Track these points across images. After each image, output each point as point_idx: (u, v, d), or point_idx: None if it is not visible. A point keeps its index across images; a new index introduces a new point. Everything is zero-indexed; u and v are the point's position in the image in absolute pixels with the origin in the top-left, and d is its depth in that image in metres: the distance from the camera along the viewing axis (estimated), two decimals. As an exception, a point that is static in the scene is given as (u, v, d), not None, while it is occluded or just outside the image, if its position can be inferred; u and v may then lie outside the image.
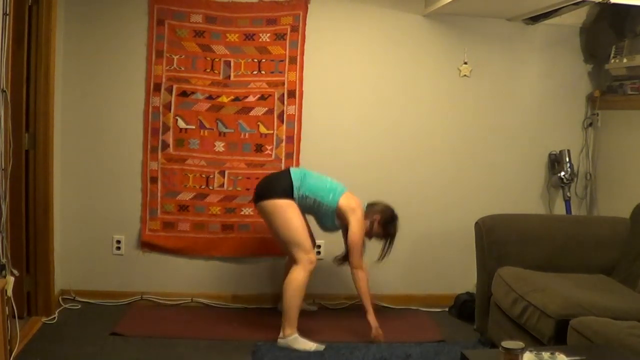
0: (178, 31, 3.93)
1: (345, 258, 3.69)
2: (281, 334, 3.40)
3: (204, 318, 3.84)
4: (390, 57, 4.12)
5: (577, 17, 4.13)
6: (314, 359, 3.25)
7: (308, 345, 3.38)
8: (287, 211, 3.45)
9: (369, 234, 3.66)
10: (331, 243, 4.13)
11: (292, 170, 3.60)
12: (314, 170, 3.65)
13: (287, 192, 3.47)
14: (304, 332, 3.53)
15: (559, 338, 2.76)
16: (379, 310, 4.08)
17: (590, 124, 4.31)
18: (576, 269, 3.45)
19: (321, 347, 3.39)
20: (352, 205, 3.55)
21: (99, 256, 4.03)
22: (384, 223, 3.66)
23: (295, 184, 3.49)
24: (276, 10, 3.97)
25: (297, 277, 3.40)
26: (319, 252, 4.13)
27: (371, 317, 3.52)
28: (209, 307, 4.04)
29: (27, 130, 3.50)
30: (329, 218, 3.59)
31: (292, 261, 3.53)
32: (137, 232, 4.05)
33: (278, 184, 3.51)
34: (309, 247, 3.46)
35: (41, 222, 3.62)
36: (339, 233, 4.15)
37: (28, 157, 3.54)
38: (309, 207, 3.57)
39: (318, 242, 4.12)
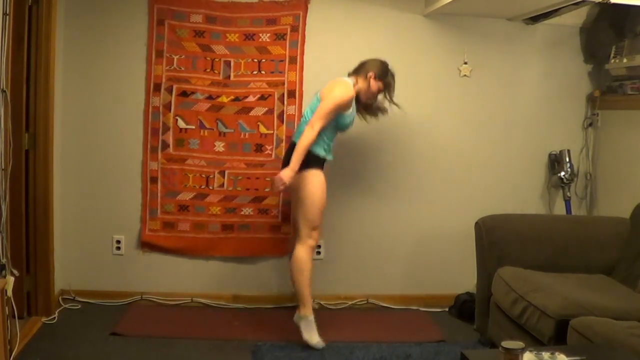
0: (178, 31, 3.93)
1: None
2: (297, 312, 3.46)
3: (204, 318, 3.84)
4: (390, 57, 4.10)
5: (577, 17, 4.13)
6: (313, 358, 3.25)
7: (313, 335, 3.41)
8: (314, 185, 3.40)
9: (370, 96, 3.55)
10: (331, 243, 4.15)
11: (293, 137, 3.51)
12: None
13: (313, 160, 3.39)
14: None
15: (559, 338, 2.76)
16: (378, 310, 4.10)
17: (590, 124, 4.31)
18: (576, 269, 3.44)
19: (320, 345, 3.39)
20: (329, 85, 3.43)
21: (99, 256, 4.04)
22: (380, 75, 3.53)
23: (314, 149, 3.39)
24: (276, 10, 3.97)
25: (300, 255, 3.44)
26: (319, 252, 4.14)
27: (285, 170, 3.31)
28: (209, 307, 4.04)
29: (27, 130, 3.51)
30: (339, 118, 3.45)
31: (295, 239, 3.52)
32: (137, 232, 4.05)
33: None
34: (316, 228, 3.46)
35: (41, 222, 3.62)
36: (339, 234, 4.16)
37: (28, 157, 3.54)
38: (330, 135, 3.48)
39: (318, 242, 4.13)
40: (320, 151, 3.44)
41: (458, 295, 4.10)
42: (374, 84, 3.54)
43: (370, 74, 3.52)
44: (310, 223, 3.45)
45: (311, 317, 3.45)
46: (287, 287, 4.15)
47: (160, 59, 3.93)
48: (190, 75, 3.96)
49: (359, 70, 3.55)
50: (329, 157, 3.53)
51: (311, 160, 3.39)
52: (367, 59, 3.59)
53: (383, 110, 3.73)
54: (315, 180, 3.42)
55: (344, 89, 3.43)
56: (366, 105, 3.65)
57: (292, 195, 3.58)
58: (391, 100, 3.61)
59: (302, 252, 3.45)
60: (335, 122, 3.46)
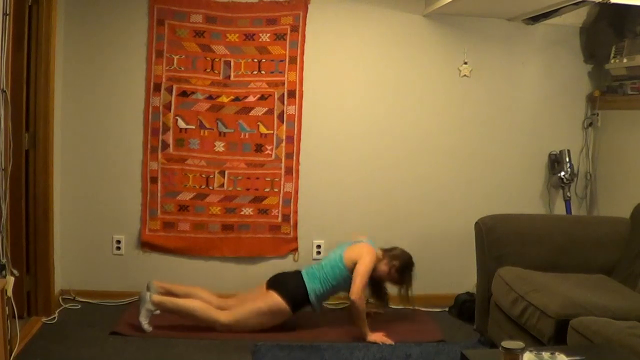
0: (178, 31, 3.93)
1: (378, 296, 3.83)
2: (154, 298, 3.53)
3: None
4: (391, 57, 4.12)
5: (577, 17, 4.13)
6: (313, 358, 3.25)
7: (144, 319, 3.48)
8: (271, 317, 3.54)
9: (384, 277, 3.71)
10: (331, 243, 4.14)
11: (303, 274, 3.64)
12: (315, 263, 3.75)
13: (301, 300, 3.57)
14: (304, 332, 3.55)
15: (559, 338, 2.76)
16: (384, 310, 4.09)
17: (590, 124, 4.31)
18: (576, 269, 3.44)
19: (149, 329, 3.48)
20: (358, 251, 3.61)
21: (99, 256, 4.04)
22: (401, 269, 3.69)
23: (309, 287, 3.58)
24: (276, 10, 3.97)
25: (212, 316, 3.53)
26: (319, 252, 4.14)
27: (373, 338, 3.51)
28: (209, 307, 4.03)
29: (27, 130, 3.50)
30: (347, 283, 3.57)
31: (225, 303, 3.65)
32: (137, 232, 4.05)
33: (295, 288, 3.59)
34: (235, 329, 3.53)
35: (41, 222, 3.62)
36: (339, 234, 4.16)
37: (28, 157, 3.54)
38: (334, 292, 3.66)
39: (318, 241, 4.14)
40: (312, 295, 3.58)
41: (458, 295, 4.10)
42: (393, 273, 3.69)
43: (395, 262, 3.68)
44: (243, 323, 3.53)
45: (153, 309, 3.51)
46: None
47: (160, 59, 3.93)
48: (190, 75, 3.96)
49: (389, 252, 3.71)
50: (315, 307, 3.64)
51: (297, 297, 3.55)
52: (400, 249, 3.76)
53: (385, 302, 3.87)
54: (273, 310, 3.52)
55: (372, 258, 3.60)
56: (375, 282, 3.74)
57: (260, 300, 3.60)
58: (405, 293, 3.75)
59: (216, 317, 3.53)
60: (343, 286, 3.61)
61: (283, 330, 3.60)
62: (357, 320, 3.52)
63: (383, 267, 3.67)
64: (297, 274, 3.67)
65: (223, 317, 3.54)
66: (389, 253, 3.72)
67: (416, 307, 3.89)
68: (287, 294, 3.55)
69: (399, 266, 3.68)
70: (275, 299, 3.54)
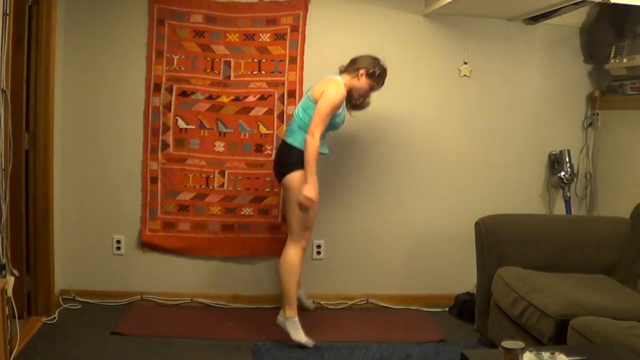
0: (178, 31, 3.93)
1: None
2: (281, 313, 3.44)
3: (204, 318, 3.84)
4: (391, 57, 4.10)
5: (577, 17, 4.13)
6: (313, 358, 3.25)
7: (300, 335, 3.40)
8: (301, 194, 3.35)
9: (362, 92, 3.50)
10: (331, 243, 4.15)
11: (287, 138, 3.46)
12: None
13: (299, 159, 3.37)
14: (305, 332, 3.55)
15: (559, 338, 2.76)
16: (378, 310, 4.10)
17: (590, 124, 4.31)
18: (576, 269, 3.44)
19: (310, 343, 3.39)
20: (321, 85, 3.39)
21: (99, 256, 4.04)
22: (371, 73, 3.48)
23: (297, 142, 3.38)
24: (276, 10, 3.97)
25: (290, 255, 3.43)
26: (319, 252, 4.14)
27: (307, 189, 3.30)
28: (209, 307, 4.04)
29: (27, 130, 3.51)
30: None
31: (287, 238, 3.51)
32: (137, 232, 4.05)
33: (290, 155, 3.41)
34: (308, 229, 3.45)
35: (41, 222, 3.62)
36: (339, 234, 4.17)
37: (28, 157, 3.54)
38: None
39: (318, 242, 4.14)
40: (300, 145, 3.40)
41: (458, 295, 4.10)
42: (366, 81, 3.50)
43: (362, 71, 3.49)
44: (303, 224, 3.43)
45: (296, 318, 3.43)
46: (287, 287, 4.15)
47: (160, 59, 3.93)
48: (190, 75, 3.96)
49: (350, 67, 3.52)
50: (324, 151, 3.48)
51: (303, 160, 3.34)
52: (358, 56, 3.55)
53: (367, 104, 3.67)
54: (299, 184, 3.36)
55: (337, 87, 3.39)
56: (356, 103, 3.60)
57: (284, 194, 3.54)
58: (379, 83, 3.55)
59: (293, 252, 3.44)
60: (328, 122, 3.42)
61: (283, 330, 3.61)
62: (305, 159, 3.28)
63: (355, 84, 3.47)
64: (283, 144, 3.47)
65: (291, 247, 3.43)
66: (351, 67, 3.48)
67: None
68: (290, 167, 3.37)
69: (368, 69, 3.46)
70: (291, 182, 3.37)
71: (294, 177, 3.37)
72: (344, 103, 3.50)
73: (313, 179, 3.32)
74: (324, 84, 3.42)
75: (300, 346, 3.37)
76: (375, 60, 3.53)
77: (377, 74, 3.51)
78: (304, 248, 3.49)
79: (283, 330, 3.43)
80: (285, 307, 3.44)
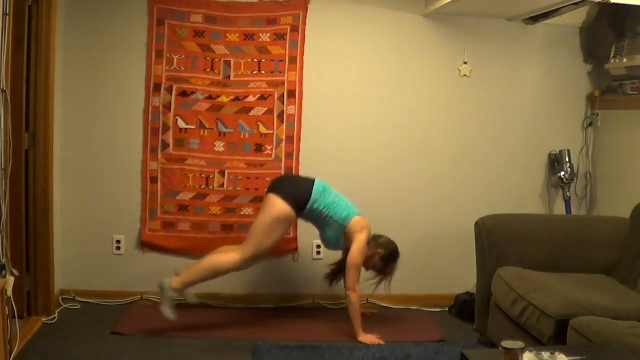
0: (178, 31, 3.93)
1: (334, 276, 3.74)
2: (173, 280, 3.45)
3: (204, 318, 3.84)
4: (391, 57, 4.12)
5: (577, 17, 4.13)
6: (313, 358, 3.25)
7: (167, 310, 3.44)
8: (277, 222, 3.44)
9: (367, 264, 3.64)
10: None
11: (317, 183, 3.57)
12: (333, 188, 3.64)
13: (299, 202, 3.48)
14: (304, 332, 3.55)
15: (559, 338, 2.76)
16: (378, 310, 4.09)
17: (590, 124, 4.31)
18: (576, 269, 3.45)
19: (173, 317, 3.43)
20: (362, 225, 3.55)
21: (99, 256, 4.03)
22: (386, 259, 3.65)
23: (314, 197, 3.50)
24: (276, 10, 3.97)
25: (228, 259, 3.46)
26: (319, 252, 4.14)
27: (363, 338, 3.49)
28: (209, 307, 4.03)
29: (27, 130, 3.50)
30: (335, 235, 3.58)
31: (234, 246, 3.58)
32: (137, 232, 4.05)
33: (296, 190, 3.52)
34: (256, 257, 3.49)
35: (41, 222, 3.62)
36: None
37: (28, 157, 3.54)
38: (318, 219, 3.58)
39: (318, 241, 4.13)
40: (310, 204, 3.49)
41: (458, 295, 4.10)
42: (377, 261, 3.64)
43: (380, 250, 3.62)
44: (257, 250, 3.46)
45: (176, 295, 3.46)
46: (287, 287, 4.16)
47: (160, 59, 3.93)
48: (190, 75, 3.96)
49: (374, 239, 3.64)
50: (304, 215, 3.54)
51: (299, 200, 3.46)
52: (387, 237, 3.69)
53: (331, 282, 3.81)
54: (279, 214, 3.44)
55: (368, 234, 3.55)
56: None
57: (262, 207, 3.58)
58: (379, 283, 3.71)
59: (231, 260, 3.47)
60: (329, 229, 3.57)
61: (283, 330, 3.61)
62: (351, 315, 3.49)
63: (368, 253, 3.60)
64: (310, 180, 3.58)
65: (238, 254, 3.46)
66: (377, 240, 3.65)
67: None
68: (289, 195, 3.45)
69: (385, 255, 3.63)
70: (277, 205, 3.44)
71: (282, 205, 3.44)
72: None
73: (359, 328, 3.50)
74: (360, 230, 3.53)
75: (309, 347, 3.37)
76: (395, 252, 3.67)
77: (389, 266, 3.66)
78: (239, 265, 3.48)
79: (163, 291, 3.44)
80: (180, 280, 3.46)
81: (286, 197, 3.45)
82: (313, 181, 3.57)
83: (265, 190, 3.66)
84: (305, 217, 3.59)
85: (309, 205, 3.49)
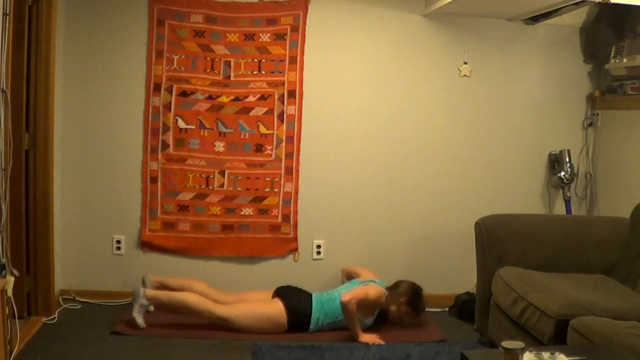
0: (178, 31, 3.93)
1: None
2: (153, 292, 3.55)
3: (204, 318, 3.83)
4: (391, 57, 4.12)
5: (577, 17, 4.13)
6: (313, 358, 3.25)
7: (139, 317, 3.49)
8: (268, 323, 3.54)
9: (398, 318, 3.70)
10: (331, 243, 4.15)
11: (314, 299, 3.64)
12: (324, 295, 3.69)
13: (301, 322, 3.56)
14: (304, 332, 3.55)
15: (559, 338, 2.76)
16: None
17: (590, 124, 4.31)
18: (576, 269, 3.45)
19: (141, 325, 3.49)
20: (359, 292, 3.56)
21: (99, 256, 4.03)
22: (411, 301, 3.68)
23: (314, 316, 3.58)
24: (276, 10, 3.97)
25: (208, 309, 3.53)
26: (319, 252, 4.14)
27: (363, 338, 3.49)
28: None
29: (27, 130, 3.51)
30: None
31: (221, 295, 3.70)
32: (137, 232, 4.05)
33: (300, 308, 3.59)
34: (230, 326, 3.53)
35: (41, 222, 3.62)
36: (339, 234, 4.16)
37: (28, 157, 3.54)
38: (334, 326, 3.61)
39: (318, 242, 4.14)
40: (314, 323, 3.58)
41: (458, 295, 4.10)
42: (405, 309, 3.68)
43: (402, 299, 3.67)
44: (238, 322, 3.52)
45: (151, 306, 3.57)
46: (287, 287, 4.15)
47: (160, 59, 3.93)
48: (190, 75, 3.96)
49: (393, 290, 3.70)
50: (311, 327, 3.60)
51: (299, 317, 3.56)
52: (400, 282, 3.76)
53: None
54: (271, 319, 3.53)
55: (378, 293, 3.60)
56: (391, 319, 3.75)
57: (259, 294, 3.69)
58: (417, 316, 3.76)
59: (211, 310, 3.53)
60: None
61: (283, 330, 3.61)
62: (348, 322, 3.51)
63: (393, 309, 3.68)
64: (309, 296, 3.68)
65: (219, 310, 3.54)
66: (394, 291, 3.71)
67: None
68: (292, 309, 3.56)
69: (408, 300, 3.68)
70: (278, 309, 3.56)
71: (282, 311, 3.55)
72: (374, 316, 3.67)
73: (357, 331, 3.51)
74: (357, 294, 3.53)
75: (309, 347, 3.38)
76: (416, 291, 3.72)
77: (418, 304, 3.73)
78: (213, 320, 3.54)
79: (136, 297, 3.53)
80: (154, 294, 3.55)
81: (288, 311, 3.56)
82: (310, 296, 3.66)
83: (274, 292, 3.73)
84: (320, 329, 3.61)
85: (312, 324, 3.57)
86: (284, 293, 3.69)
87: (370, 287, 3.63)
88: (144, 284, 3.69)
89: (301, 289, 3.76)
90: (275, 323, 3.55)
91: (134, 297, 3.55)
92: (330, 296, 3.66)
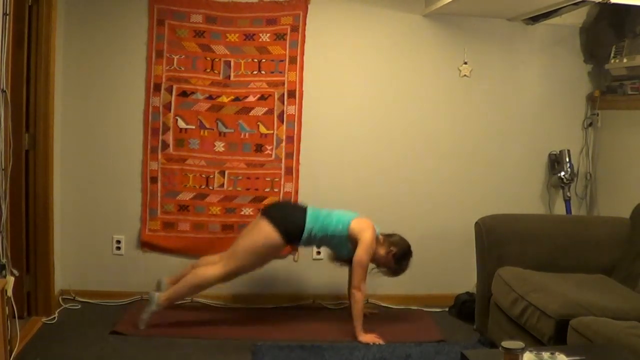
0: (178, 31, 3.93)
1: (342, 260, 3.71)
2: (159, 296, 3.52)
3: (204, 318, 3.84)
4: (391, 57, 4.12)
5: (577, 17, 4.13)
6: (313, 358, 3.25)
7: (144, 322, 3.51)
8: (263, 248, 3.49)
9: (379, 262, 3.66)
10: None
11: (309, 210, 3.58)
12: (321, 210, 3.64)
13: (291, 232, 3.50)
14: (304, 332, 3.55)
15: (559, 338, 2.76)
16: (379, 310, 4.09)
17: (590, 124, 4.31)
18: (576, 269, 3.44)
19: (142, 326, 3.50)
20: (362, 226, 3.54)
21: (99, 256, 4.04)
22: (399, 257, 3.65)
23: (308, 225, 3.52)
24: (276, 10, 3.97)
25: (210, 272, 3.50)
26: (319, 252, 4.14)
27: (363, 338, 3.49)
28: (209, 307, 4.04)
29: (27, 130, 3.51)
30: (344, 247, 3.58)
31: (216, 259, 3.61)
32: (137, 232, 4.05)
33: (288, 220, 3.54)
34: (237, 274, 3.54)
35: (41, 222, 3.62)
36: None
37: (28, 157, 3.54)
38: (323, 242, 3.62)
39: (318, 241, 4.14)
40: (306, 234, 3.51)
41: (458, 295, 4.10)
42: (389, 260, 3.63)
43: (393, 248, 3.62)
44: (238, 268, 3.50)
45: (157, 310, 3.53)
46: (287, 286, 4.16)
47: (160, 59, 3.93)
48: (190, 75, 3.96)
49: (387, 237, 3.66)
50: (300, 245, 3.60)
51: (289, 230, 3.48)
52: (399, 235, 3.69)
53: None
54: (269, 243, 3.47)
55: (372, 234, 3.53)
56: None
57: (252, 229, 3.60)
58: (394, 274, 3.72)
59: (214, 272, 3.51)
60: (336, 245, 3.60)
61: (283, 330, 3.61)
62: (354, 313, 3.49)
63: (380, 251, 3.61)
64: (302, 209, 3.60)
65: (219, 270, 3.50)
66: (389, 238, 3.66)
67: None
68: (280, 224, 3.48)
69: (397, 253, 3.63)
70: (267, 231, 3.47)
71: (270, 230, 3.46)
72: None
73: (359, 327, 3.50)
74: (365, 228, 3.52)
75: (309, 347, 3.38)
76: (408, 252, 3.67)
77: (402, 264, 3.66)
78: (221, 279, 3.53)
79: (150, 303, 3.53)
80: (166, 295, 3.52)
81: (277, 226, 3.48)
82: (305, 209, 3.60)
83: (259, 212, 3.68)
84: (307, 244, 3.62)
85: (305, 235, 3.52)
86: (270, 210, 3.61)
87: (366, 234, 3.52)
88: (158, 287, 3.64)
89: (291, 203, 3.75)
90: (272, 246, 3.49)
91: (149, 301, 3.54)
92: (327, 211, 3.60)
